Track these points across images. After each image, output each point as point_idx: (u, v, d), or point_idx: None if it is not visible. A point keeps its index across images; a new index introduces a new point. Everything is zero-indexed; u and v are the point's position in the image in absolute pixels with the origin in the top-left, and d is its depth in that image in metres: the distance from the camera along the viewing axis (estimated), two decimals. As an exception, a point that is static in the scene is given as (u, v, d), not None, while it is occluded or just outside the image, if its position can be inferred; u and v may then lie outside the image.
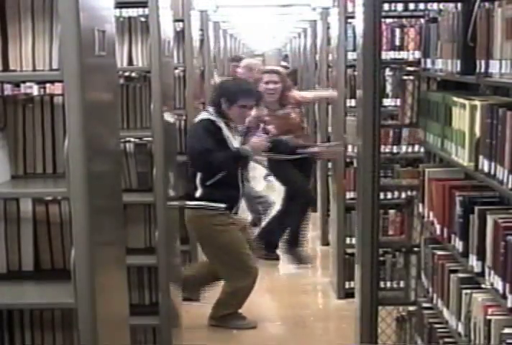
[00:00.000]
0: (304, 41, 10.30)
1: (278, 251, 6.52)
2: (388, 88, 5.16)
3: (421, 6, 4.68)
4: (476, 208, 2.85)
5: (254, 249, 5.18)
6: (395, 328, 4.15)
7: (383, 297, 3.92)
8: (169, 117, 4.28)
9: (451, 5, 3.63)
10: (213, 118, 4.84)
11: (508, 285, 2.52)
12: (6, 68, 2.69)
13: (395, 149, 5.21)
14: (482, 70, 2.81)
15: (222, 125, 4.83)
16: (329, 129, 6.47)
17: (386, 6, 4.72)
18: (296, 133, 6.12)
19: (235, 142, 4.86)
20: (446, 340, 3.27)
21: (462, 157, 3.00)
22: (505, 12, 2.61)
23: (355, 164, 5.25)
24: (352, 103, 5.37)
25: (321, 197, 7.11)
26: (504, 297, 2.55)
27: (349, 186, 5.46)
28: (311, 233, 7.55)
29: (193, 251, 5.52)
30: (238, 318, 5.02)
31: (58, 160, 2.88)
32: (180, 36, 5.42)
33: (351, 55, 5.31)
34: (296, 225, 6.37)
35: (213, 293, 5.13)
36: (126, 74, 4.76)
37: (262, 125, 5.50)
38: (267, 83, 6.14)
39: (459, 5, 3.30)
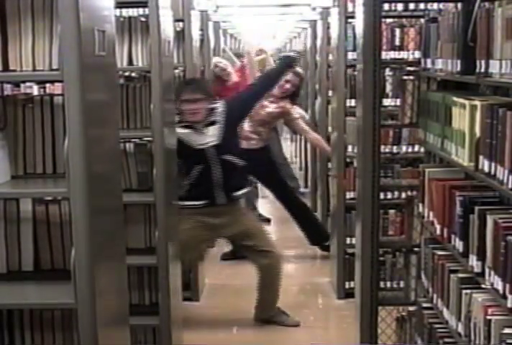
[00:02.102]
0: (304, 41, 10.29)
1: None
2: (388, 88, 5.16)
3: (421, 6, 4.68)
4: (476, 208, 2.85)
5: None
6: (395, 328, 4.15)
7: (383, 297, 3.93)
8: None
9: (451, 5, 3.63)
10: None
11: (508, 285, 2.52)
12: (6, 68, 2.69)
13: (395, 149, 5.21)
14: (482, 70, 2.81)
15: (181, 131, 4.70)
16: (329, 129, 6.47)
17: (386, 6, 4.73)
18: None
19: (200, 139, 4.75)
20: (446, 340, 3.27)
21: (462, 157, 3.00)
22: (505, 12, 2.61)
23: (355, 164, 5.25)
24: (352, 103, 5.37)
25: (320, 197, 7.12)
26: (504, 297, 2.55)
27: (349, 186, 5.46)
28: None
29: (193, 251, 5.52)
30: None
31: (58, 160, 2.88)
32: (180, 36, 5.42)
33: (351, 55, 5.31)
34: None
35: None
36: (126, 74, 4.76)
37: None
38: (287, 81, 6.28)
39: (459, 5, 3.30)
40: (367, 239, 3.72)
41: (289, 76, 6.22)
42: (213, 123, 4.79)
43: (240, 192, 4.96)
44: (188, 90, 4.75)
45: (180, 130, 4.72)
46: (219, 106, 4.86)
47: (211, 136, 4.76)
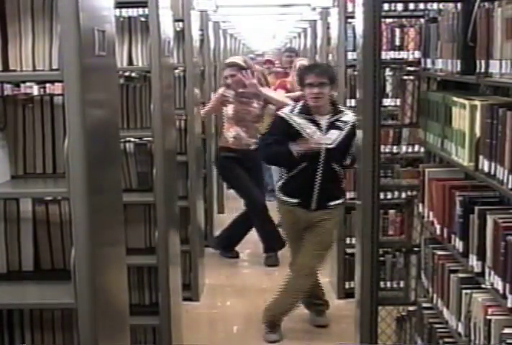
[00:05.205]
0: (304, 41, 10.31)
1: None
2: (388, 88, 5.16)
3: (421, 6, 4.67)
4: (476, 208, 2.85)
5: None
6: (395, 328, 4.15)
7: (383, 297, 3.92)
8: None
9: (451, 5, 3.63)
10: (284, 114, 4.77)
11: (508, 285, 2.52)
12: (6, 68, 2.69)
13: (395, 149, 5.21)
14: (482, 70, 2.81)
15: (296, 119, 4.69)
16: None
17: (386, 6, 4.72)
18: (249, 124, 6.37)
19: (317, 135, 4.67)
20: (446, 340, 3.27)
21: (462, 157, 3.00)
22: (505, 12, 2.61)
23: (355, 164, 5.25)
24: (352, 103, 5.38)
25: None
26: (504, 297, 2.55)
27: (349, 186, 5.46)
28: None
29: (193, 251, 5.52)
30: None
31: (58, 160, 2.88)
32: (180, 36, 5.42)
33: (351, 55, 5.31)
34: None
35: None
36: (126, 74, 4.76)
37: None
38: (226, 77, 6.35)
39: (459, 5, 3.30)
40: (367, 239, 3.72)
41: (226, 71, 6.32)
42: (337, 128, 4.72)
43: (334, 203, 4.84)
44: (312, 74, 4.70)
45: (298, 120, 4.68)
46: (349, 115, 4.78)
47: (330, 139, 4.68)
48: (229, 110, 6.32)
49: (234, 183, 6.63)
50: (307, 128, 4.68)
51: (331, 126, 4.72)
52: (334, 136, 4.70)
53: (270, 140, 4.76)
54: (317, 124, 4.70)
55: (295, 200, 4.79)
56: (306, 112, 4.72)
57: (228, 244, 6.80)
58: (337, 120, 4.74)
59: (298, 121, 4.70)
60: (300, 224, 4.84)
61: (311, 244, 4.81)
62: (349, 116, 4.77)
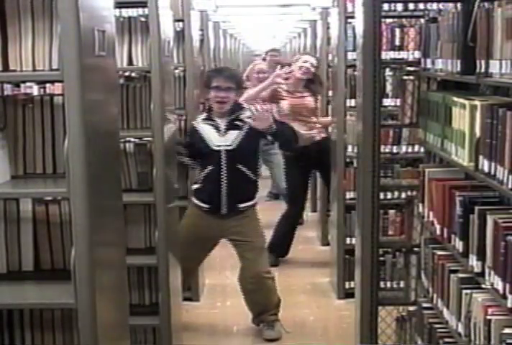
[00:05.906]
0: (304, 41, 10.31)
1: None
2: (388, 88, 5.16)
3: (421, 6, 4.68)
4: (476, 208, 2.85)
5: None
6: (395, 328, 4.15)
7: (383, 297, 3.93)
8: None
9: (451, 5, 3.63)
10: (195, 122, 4.80)
11: (508, 285, 2.52)
12: (6, 68, 2.69)
13: (395, 149, 5.21)
14: (482, 70, 2.81)
15: (201, 125, 4.69)
16: (329, 129, 6.47)
17: (386, 6, 4.72)
18: (307, 119, 6.21)
19: (216, 139, 4.64)
20: (446, 340, 3.27)
21: (462, 157, 3.00)
22: (505, 12, 2.61)
23: (355, 164, 5.26)
24: (352, 103, 5.38)
25: (320, 197, 7.11)
26: (504, 297, 2.55)
27: (349, 186, 5.47)
28: (311, 233, 7.56)
29: (193, 251, 5.52)
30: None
31: (58, 160, 2.88)
32: (180, 36, 5.42)
33: (351, 55, 5.31)
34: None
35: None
36: (126, 74, 4.76)
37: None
38: (305, 61, 6.21)
39: (459, 5, 3.30)
40: (367, 239, 3.72)
41: (305, 57, 6.25)
42: (236, 127, 4.66)
43: (245, 205, 4.71)
44: (220, 78, 4.64)
45: (202, 125, 4.69)
46: (248, 112, 4.71)
47: (228, 140, 4.62)
48: (284, 106, 6.13)
49: (287, 183, 6.55)
50: (207, 132, 4.68)
51: (230, 126, 4.67)
52: (233, 136, 4.65)
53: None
54: (216, 127, 4.66)
55: (206, 206, 4.71)
56: (208, 117, 4.71)
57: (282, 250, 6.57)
58: (236, 119, 4.68)
59: (203, 127, 4.70)
60: (207, 233, 4.75)
61: (248, 252, 4.76)
62: (248, 114, 4.70)
